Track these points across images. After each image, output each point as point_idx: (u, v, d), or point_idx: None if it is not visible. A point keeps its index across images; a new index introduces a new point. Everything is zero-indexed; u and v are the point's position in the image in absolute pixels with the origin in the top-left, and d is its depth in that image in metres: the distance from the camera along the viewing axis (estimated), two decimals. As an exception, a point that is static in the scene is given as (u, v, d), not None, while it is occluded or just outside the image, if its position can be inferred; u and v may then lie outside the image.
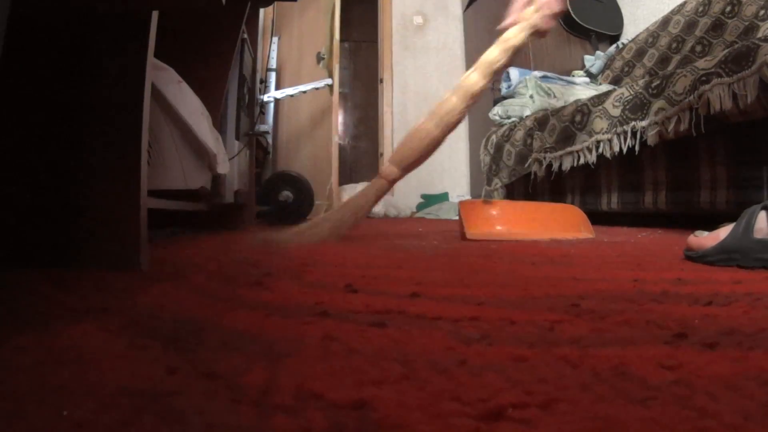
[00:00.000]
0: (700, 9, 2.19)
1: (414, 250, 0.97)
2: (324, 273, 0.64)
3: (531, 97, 2.47)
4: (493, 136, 2.60)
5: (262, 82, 2.92)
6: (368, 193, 1.16)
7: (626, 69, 2.63)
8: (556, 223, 1.25)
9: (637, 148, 1.60)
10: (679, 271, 0.62)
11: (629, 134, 1.62)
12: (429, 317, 0.39)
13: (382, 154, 4.38)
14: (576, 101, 2.00)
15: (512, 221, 1.26)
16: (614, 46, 2.84)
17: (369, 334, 0.34)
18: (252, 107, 2.08)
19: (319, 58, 3.36)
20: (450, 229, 1.67)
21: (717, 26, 2.06)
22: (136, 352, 0.30)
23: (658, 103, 1.50)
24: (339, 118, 5.03)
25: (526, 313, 0.39)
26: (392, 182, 1.16)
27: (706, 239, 0.70)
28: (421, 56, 4.39)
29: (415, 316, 0.39)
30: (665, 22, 2.43)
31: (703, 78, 1.34)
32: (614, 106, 1.71)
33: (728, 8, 2.03)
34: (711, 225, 0.73)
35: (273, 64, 3.42)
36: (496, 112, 2.64)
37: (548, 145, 2.07)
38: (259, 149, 2.83)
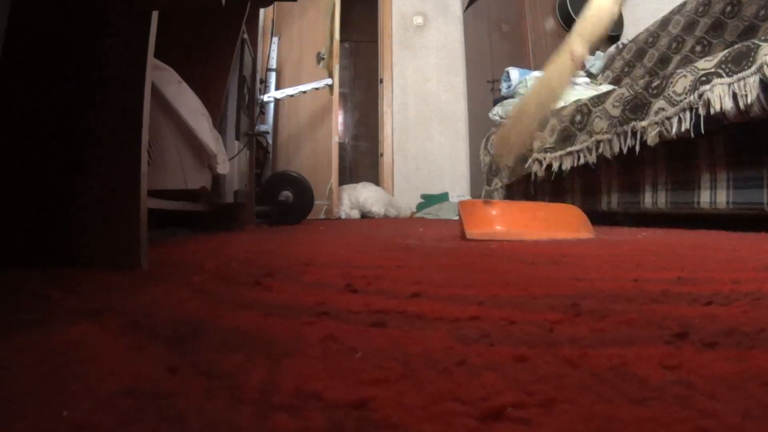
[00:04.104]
0: (700, 9, 2.19)
1: (414, 250, 0.97)
2: (324, 273, 0.64)
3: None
4: (493, 137, 2.60)
5: (262, 82, 2.92)
6: (554, 78, 1.21)
7: (626, 69, 2.63)
8: (556, 223, 1.24)
9: (637, 148, 1.61)
10: (679, 271, 0.62)
11: (629, 134, 1.62)
12: (429, 317, 0.39)
13: (382, 154, 4.38)
14: (576, 101, 2.00)
15: (512, 221, 1.25)
16: (614, 46, 2.84)
17: (369, 334, 0.34)
18: (252, 107, 2.09)
19: (319, 58, 3.36)
20: (450, 229, 1.67)
21: (717, 26, 2.07)
22: (136, 352, 0.30)
23: (658, 103, 1.50)
24: (339, 118, 5.04)
25: (526, 313, 0.39)
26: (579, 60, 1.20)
27: None
28: (421, 56, 4.39)
29: (415, 316, 0.39)
30: (665, 22, 2.43)
31: (703, 78, 1.34)
32: (614, 106, 1.71)
33: (728, 8, 2.03)
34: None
35: (273, 64, 3.42)
36: (496, 112, 2.64)
37: (548, 145, 2.07)
38: (259, 149, 2.83)
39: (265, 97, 2.99)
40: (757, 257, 0.76)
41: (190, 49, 1.43)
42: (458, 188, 4.21)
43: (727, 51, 1.32)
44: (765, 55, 1.19)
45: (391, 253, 0.92)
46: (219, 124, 1.53)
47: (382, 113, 4.38)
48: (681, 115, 1.42)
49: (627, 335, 0.33)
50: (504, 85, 2.78)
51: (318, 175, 3.32)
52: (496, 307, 0.42)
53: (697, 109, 1.36)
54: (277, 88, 3.37)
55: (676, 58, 2.26)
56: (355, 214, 3.68)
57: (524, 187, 2.40)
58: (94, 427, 0.20)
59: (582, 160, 1.86)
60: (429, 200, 4.04)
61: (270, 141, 3.24)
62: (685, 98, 1.40)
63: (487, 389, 0.24)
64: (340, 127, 5.09)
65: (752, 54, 1.22)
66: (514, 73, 2.73)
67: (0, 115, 0.65)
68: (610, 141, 1.71)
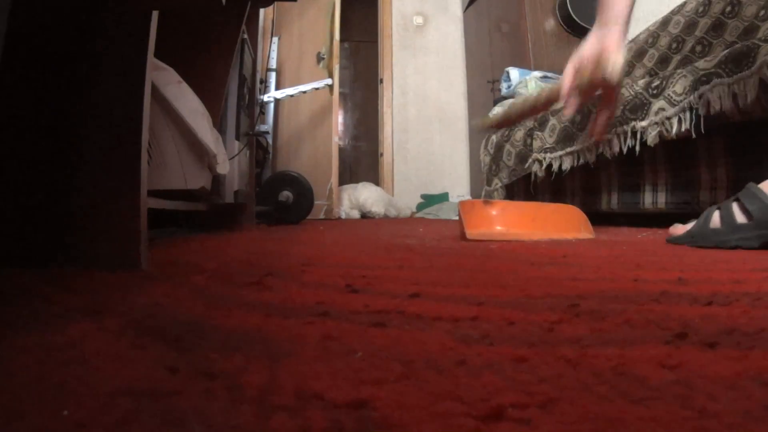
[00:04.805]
0: (700, 9, 2.19)
1: (414, 250, 0.97)
2: (324, 273, 0.64)
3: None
4: (493, 136, 2.60)
5: (262, 82, 2.93)
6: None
7: (626, 69, 2.63)
8: (556, 224, 1.24)
9: (637, 148, 1.61)
10: (679, 271, 0.62)
11: (629, 134, 1.62)
12: (429, 317, 0.39)
13: (382, 155, 4.38)
14: (576, 101, 2.00)
15: (512, 222, 1.25)
16: (614, 46, 2.83)
17: (369, 334, 0.34)
18: (252, 107, 2.09)
19: (319, 58, 3.36)
20: (450, 229, 1.67)
21: (717, 26, 2.06)
22: (136, 352, 0.30)
23: (658, 104, 1.50)
24: (339, 119, 5.03)
25: (526, 313, 0.39)
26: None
27: (680, 229, 1.00)
28: (421, 56, 4.39)
29: (415, 316, 0.39)
30: (665, 22, 2.43)
31: (703, 78, 1.34)
32: (614, 106, 1.71)
33: (728, 8, 2.03)
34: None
35: (273, 64, 3.43)
36: (496, 112, 2.64)
37: (548, 145, 2.07)
38: (259, 149, 2.83)
39: (265, 97, 2.99)
40: (757, 257, 0.76)
41: (190, 50, 1.43)
42: (458, 188, 4.22)
43: (727, 51, 1.32)
44: (765, 55, 1.19)
45: (391, 253, 0.92)
46: (219, 124, 1.53)
47: (382, 113, 4.38)
48: (681, 115, 1.42)
49: (627, 335, 0.33)
50: (504, 85, 2.78)
51: (318, 176, 3.32)
52: (496, 307, 0.42)
53: (697, 109, 1.36)
54: (277, 88, 3.37)
55: (676, 58, 2.26)
56: (355, 214, 3.68)
57: (524, 187, 2.40)
58: (94, 427, 0.20)
59: (582, 160, 1.86)
60: (429, 200, 4.04)
61: (270, 141, 3.25)
62: (685, 98, 1.40)
63: (487, 389, 0.24)
64: (340, 128, 5.08)
65: (752, 54, 1.22)
66: (514, 73, 2.73)
67: None
68: (610, 141, 1.71)
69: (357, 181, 4.09)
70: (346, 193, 3.74)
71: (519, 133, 2.33)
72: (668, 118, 1.46)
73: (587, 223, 1.25)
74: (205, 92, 1.26)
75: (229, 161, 1.52)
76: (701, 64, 1.38)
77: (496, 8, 3.71)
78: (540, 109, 1.29)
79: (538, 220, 1.24)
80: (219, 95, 1.52)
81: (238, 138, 1.74)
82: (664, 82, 1.50)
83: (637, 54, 2.58)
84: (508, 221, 1.25)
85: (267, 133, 3.14)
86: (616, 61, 0.98)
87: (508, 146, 2.43)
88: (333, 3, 3.28)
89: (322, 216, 3.34)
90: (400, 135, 4.31)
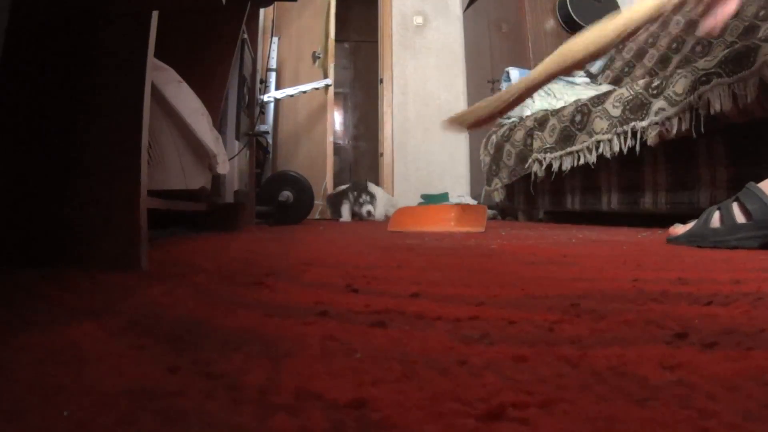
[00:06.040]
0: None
1: (414, 250, 0.97)
2: (324, 273, 0.64)
3: (531, 97, 2.47)
4: (493, 136, 2.60)
5: (262, 82, 2.93)
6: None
7: (626, 69, 2.63)
8: (458, 220, 1.63)
9: (637, 148, 1.60)
10: (679, 271, 0.62)
11: (629, 134, 1.62)
12: (429, 317, 0.39)
13: (382, 154, 4.38)
14: (576, 101, 2.00)
15: (419, 221, 1.70)
16: (614, 46, 2.83)
17: (369, 334, 0.34)
18: (252, 107, 2.09)
19: (315, 58, 3.36)
20: (449, 230, 1.67)
21: (717, 26, 2.06)
22: (136, 352, 0.30)
23: (658, 104, 1.50)
24: (339, 119, 5.03)
25: (526, 313, 0.39)
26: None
27: (680, 229, 1.00)
28: (421, 56, 4.39)
29: (415, 316, 0.39)
30: (665, 22, 2.43)
31: (703, 78, 1.34)
32: (614, 107, 1.71)
33: (728, 8, 2.02)
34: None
35: (273, 64, 3.43)
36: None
37: (548, 145, 2.07)
38: (259, 149, 2.83)
39: (265, 97, 2.99)
40: (757, 257, 0.76)
41: (190, 50, 1.43)
42: (458, 188, 4.21)
43: (727, 51, 1.32)
44: (765, 54, 1.19)
45: (391, 253, 0.92)
46: (219, 124, 1.53)
47: (382, 113, 4.38)
48: (681, 116, 1.42)
49: (627, 335, 0.33)
50: (504, 85, 2.78)
51: (315, 175, 3.32)
52: (496, 307, 0.42)
53: (697, 109, 1.36)
54: (277, 88, 3.37)
55: (676, 58, 2.26)
56: (355, 213, 3.68)
57: (524, 187, 2.40)
58: (94, 427, 0.20)
59: (582, 160, 1.86)
60: (429, 200, 4.04)
61: (270, 141, 3.25)
62: (686, 98, 1.40)
63: (487, 389, 0.24)
64: (340, 127, 5.09)
65: (752, 54, 1.22)
66: (514, 73, 2.73)
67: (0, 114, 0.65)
68: (610, 141, 1.71)
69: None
70: (346, 192, 3.73)
71: (519, 133, 2.33)
72: (668, 118, 1.46)
73: (483, 219, 1.61)
74: (205, 92, 1.26)
75: (229, 161, 1.52)
76: (701, 64, 1.38)
77: (496, 8, 3.71)
78: (514, 103, 1.19)
79: (439, 218, 1.68)
80: (219, 95, 1.52)
81: (238, 138, 1.74)
82: (665, 82, 1.50)
83: (637, 54, 2.58)
84: (416, 220, 1.71)
85: (267, 133, 3.14)
86: None
87: (508, 146, 2.43)
88: (328, 1, 3.28)
89: (317, 216, 3.34)
90: (400, 135, 4.31)
